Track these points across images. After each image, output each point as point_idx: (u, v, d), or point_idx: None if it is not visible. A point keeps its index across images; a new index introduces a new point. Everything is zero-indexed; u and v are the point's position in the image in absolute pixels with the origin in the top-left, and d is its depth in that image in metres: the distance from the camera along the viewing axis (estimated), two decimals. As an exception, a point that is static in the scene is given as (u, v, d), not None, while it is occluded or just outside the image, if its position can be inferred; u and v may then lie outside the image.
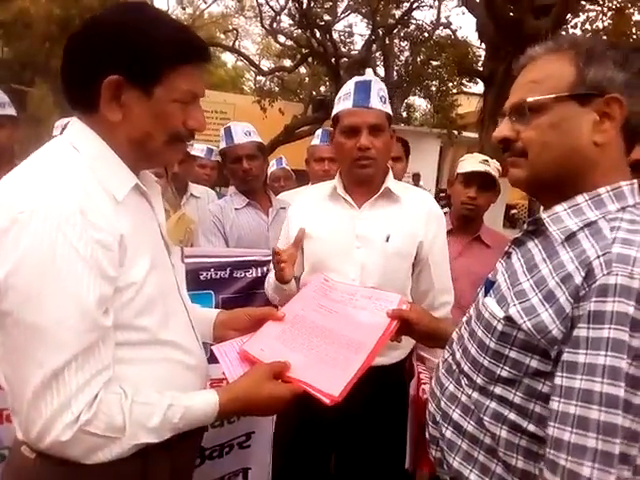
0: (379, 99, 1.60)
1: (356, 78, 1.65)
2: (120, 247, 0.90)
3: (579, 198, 0.90)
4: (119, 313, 0.92)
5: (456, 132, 11.73)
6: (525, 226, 1.00)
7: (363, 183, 1.65)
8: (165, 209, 2.49)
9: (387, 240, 1.61)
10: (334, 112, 1.66)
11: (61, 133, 1.01)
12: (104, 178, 0.94)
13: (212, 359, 1.23)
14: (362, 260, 1.61)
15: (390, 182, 1.68)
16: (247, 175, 2.42)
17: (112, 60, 0.91)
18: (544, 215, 0.94)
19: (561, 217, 0.91)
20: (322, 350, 1.17)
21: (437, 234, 1.70)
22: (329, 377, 1.08)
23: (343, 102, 1.62)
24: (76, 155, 0.94)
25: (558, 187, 0.93)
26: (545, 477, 0.78)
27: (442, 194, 13.69)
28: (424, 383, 1.70)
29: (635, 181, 0.92)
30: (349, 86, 1.63)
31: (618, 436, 0.72)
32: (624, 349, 0.73)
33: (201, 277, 2.01)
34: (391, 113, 1.67)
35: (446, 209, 2.51)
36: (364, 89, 1.59)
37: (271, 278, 1.72)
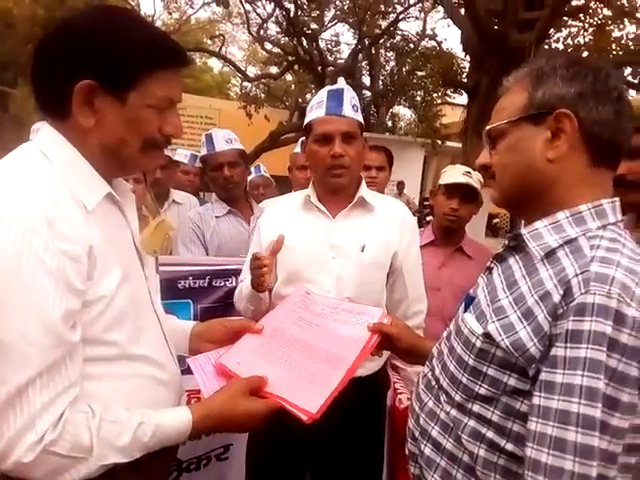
0: (351, 107, 1.60)
1: (328, 87, 1.65)
2: (89, 259, 0.87)
3: (560, 215, 0.90)
4: (88, 328, 0.89)
5: (440, 142, 11.82)
6: (506, 241, 1.00)
7: (337, 192, 1.65)
8: (144, 215, 2.47)
9: (362, 250, 1.60)
10: (306, 120, 1.65)
11: None
12: (74, 186, 0.91)
13: (188, 370, 1.20)
14: (337, 271, 1.59)
15: (364, 191, 1.68)
16: (228, 183, 2.40)
17: (84, 65, 0.88)
18: (524, 231, 0.93)
19: (541, 233, 0.90)
20: (301, 365, 1.15)
21: (410, 243, 1.71)
22: (307, 393, 1.06)
23: (316, 110, 1.61)
24: (45, 162, 0.91)
25: (526, 204, 0.96)
26: None
27: (426, 202, 13.79)
28: (400, 393, 1.69)
29: (617, 199, 0.92)
30: (322, 94, 1.62)
31: (595, 458, 0.71)
32: (601, 369, 0.72)
33: (179, 286, 1.98)
34: (363, 122, 1.67)
35: (430, 217, 2.52)
36: (336, 97, 1.59)
37: (245, 288, 1.67)
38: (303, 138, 1.74)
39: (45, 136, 0.95)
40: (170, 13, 16.44)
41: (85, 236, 0.87)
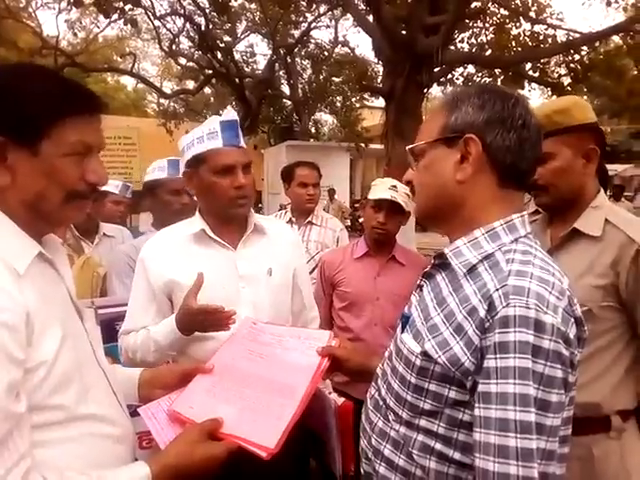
0: (242, 138, 1.64)
1: (218, 117, 1.63)
2: (27, 326, 0.85)
3: (476, 232, 0.97)
4: (32, 395, 0.86)
5: (363, 145, 12.12)
6: (432, 260, 1.06)
7: (236, 222, 1.66)
8: (68, 255, 2.36)
9: (270, 274, 1.64)
10: (197, 151, 1.59)
11: None
12: (2, 250, 0.88)
13: (136, 412, 1.18)
14: (251, 299, 1.60)
15: (256, 217, 1.71)
16: (185, 208, 2.35)
17: None
18: (447, 250, 1.00)
19: (462, 251, 0.97)
20: (255, 399, 1.15)
21: (300, 258, 1.85)
22: (264, 428, 1.07)
23: (209, 141, 1.58)
24: None
25: (443, 220, 1.04)
26: None
27: (356, 205, 14.07)
28: (329, 394, 1.72)
29: (525, 213, 1.00)
30: (212, 125, 1.60)
31: (535, 459, 0.78)
32: (530, 376, 0.79)
33: (117, 327, 1.92)
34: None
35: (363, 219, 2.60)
36: (232, 128, 1.60)
37: (164, 338, 1.54)
38: (185, 169, 1.67)
39: None
40: (75, 34, 15.76)
41: (20, 303, 0.85)
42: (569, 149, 1.45)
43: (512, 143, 0.95)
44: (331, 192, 11.91)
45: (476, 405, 0.84)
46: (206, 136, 1.59)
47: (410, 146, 1.05)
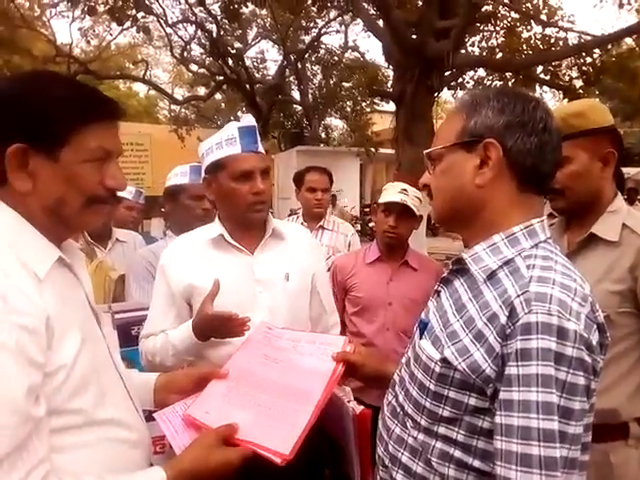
0: (260, 143, 1.65)
1: (236, 123, 1.64)
2: (47, 330, 0.86)
3: (496, 237, 0.96)
4: (51, 398, 0.87)
5: (373, 150, 12.09)
6: (450, 265, 1.05)
7: (254, 227, 1.66)
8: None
9: (287, 279, 1.64)
10: (216, 157, 1.60)
11: None
12: (23, 255, 0.89)
13: (150, 417, 1.18)
14: (268, 304, 1.60)
15: (275, 221, 1.71)
16: (206, 214, 2.35)
17: (11, 130, 0.89)
18: (465, 255, 0.99)
19: (481, 256, 0.96)
20: (270, 405, 1.15)
21: (319, 262, 1.84)
22: (279, 434, 1.07)
23: (228, 147, 1.59)
24: None
25: (461, 224, 1.04)
26: None
27: (366, 209, 14.03)
28: (348, 401, 1.70)
29: (545, 217, 0.99)
30: (231, 131, 1.60)
31: (559, 468, 0.77)
32: (552, 383, 0.78)
33: (132, 332, 1.94)
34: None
35: (373, 224, 2.60)
36: (250, 134, 1.61)
37: (180, 342, 1.55)
38: (204, 176, 1.67)
39: None
40: (88, 41, 15.94)
41: (41, 307, 0.86)
42: (585, 153, 1.44)
43: (533, 147, 0.93)
44: (333, 198, 11.87)
45: (497, 413, 0.83)
46: (224, 142, 1.60)
47: (428, 150, 1.04)
